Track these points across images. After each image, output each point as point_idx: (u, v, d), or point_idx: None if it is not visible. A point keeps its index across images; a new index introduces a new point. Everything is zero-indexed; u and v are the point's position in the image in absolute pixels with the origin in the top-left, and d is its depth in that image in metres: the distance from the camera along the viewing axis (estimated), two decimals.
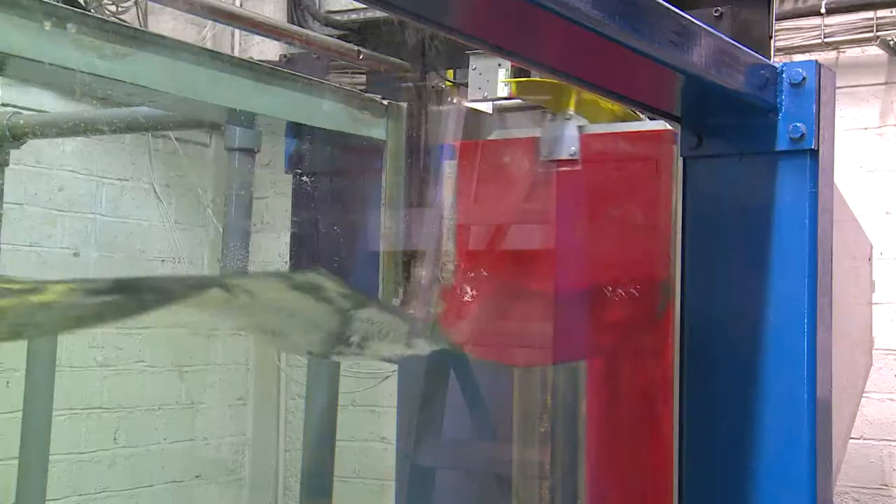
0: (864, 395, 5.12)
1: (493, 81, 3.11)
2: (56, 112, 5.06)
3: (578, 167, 2.82)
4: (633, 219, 2.82)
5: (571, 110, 2.88)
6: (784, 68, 1.91)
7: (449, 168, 3.02)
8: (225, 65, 2.78)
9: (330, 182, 3.34)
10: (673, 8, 1.60)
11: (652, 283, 2.75)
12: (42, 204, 5.60)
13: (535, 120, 3.52)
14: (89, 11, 3.76)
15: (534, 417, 2.99)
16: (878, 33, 5.47)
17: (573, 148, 2.82)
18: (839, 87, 2.21)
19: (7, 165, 3.89)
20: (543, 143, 2.86)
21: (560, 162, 2.85)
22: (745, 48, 1.85)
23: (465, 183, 3.00)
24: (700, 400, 1.96)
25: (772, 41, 2.51)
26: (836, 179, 2.05)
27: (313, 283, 1.88)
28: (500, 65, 3.09)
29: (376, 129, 3.15)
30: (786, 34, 5.58)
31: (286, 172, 3.34)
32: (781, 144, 1.90)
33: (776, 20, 3.11)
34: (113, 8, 5.77)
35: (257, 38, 6.23)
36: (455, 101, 3.22)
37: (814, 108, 1.89)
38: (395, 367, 4.14)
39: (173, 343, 6.37)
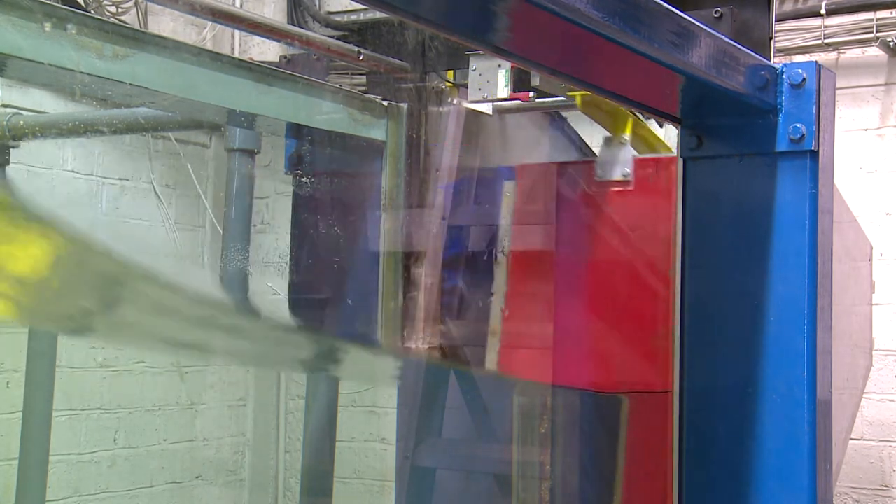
0: (864, 395, 5.12)
1: (493, 82, 3.11)
2: (56, 112, 5.06)
3: (630, 187, 2.89)
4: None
5: (627, 135, 2.97)
6: (784, 69, 1.91)
7: (508, 188, 3.09)
8: (225, 66, 2.77)
9: (330, 183, 3.34)
10: (673, 9, 1.60)
11: None
12: (42, 204, 5.59)
13: (536, 122, 3.52)
14: (89, 12, 3.76)
15: (534, 418, 2.99)
16: (878, 34, 5.47)
17: (627, 170, 2.90)
18: (839, 88, 2.21)
19: (7, 165, 3.89)
20: (599, 164, 2.95)
21: (612, 183, 2.93)
22: (745, 49, 1.85)
23: (522, 203, 3.07)
24: (700, 400, 1.96)
25: (772, 42, 2.51)
26: (835, 180, 2.05)
27: None
28: (500, 66, 3.09)
29: (376, 130, 3.15)
30: (786, 35, 5.58)
31: (286, 173, 3.34)
32: (781, 145, 1.90)
33: (776, 21, 3.11)
34: (113, 9, 5.77)
35: (257, 38, 6.24)
36: (455, 101, 3.22)
37: (814, 108, 1.89)
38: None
39: None
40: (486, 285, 3.10)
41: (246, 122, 3.18)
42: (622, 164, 2.93)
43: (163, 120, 3.65)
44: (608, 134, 3.04)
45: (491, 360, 3.06)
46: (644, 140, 3.18)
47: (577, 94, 3.05)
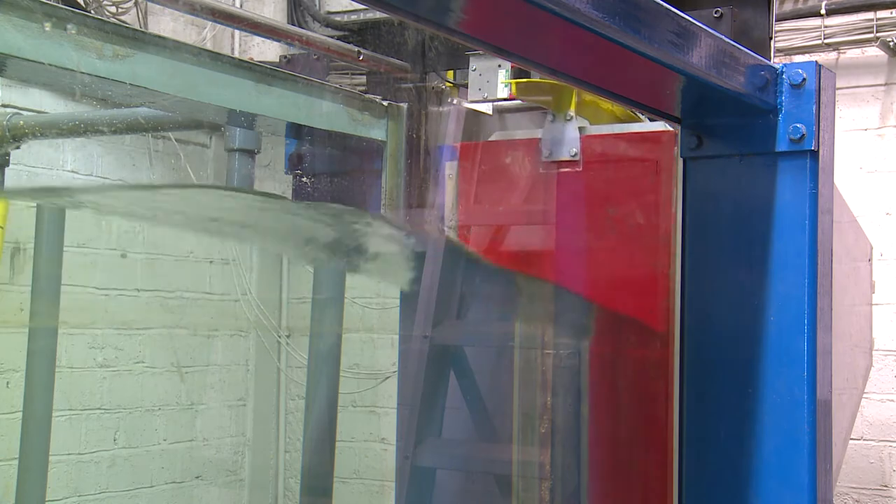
0: (864, 395, 5.12)
1: (493, 82, 3.11)
2: (56, 112, 5.06)
3: (579, 168, 2.86)
4: (634, 219, 2.85)
5: (572, 111, 2.90)
6: (784, 69, 1.91)
7: (450, 169, 3.05)
8: (225, 66, 2.78)
9: (330, 183, 3.34)
10: (673, 9, 1.60)
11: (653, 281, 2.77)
12: None
13: (536, 121, 3.52)
14: (89, 12, 3.76)
15: (534, 417, 2.99)
16: (878, 34, 5.47)
17: (574, 149, 2.86)
18: (839, 88, 2.21)
19: (7, 166, 3.89)
20: (545, 143, 2.90)
21: (561, 163, 2.89)
22: (745, 49, 1.85)
23: (466, 184, 3.03)
24: (700, 400, 1.96)
25: (772, 42, 2.51)
26: (836, 180, 2.05)
27: None
28: (500, 66, 3.09)
29: (376, 130, 3.15)
30: (786, 35, 5.58)
31: (286, 173, 3.35)
32: (781, 145, 1.90)
33: (776, 21, 3.12)
34: (113, 9, 5.77)
35: (257, 38, 6.24)
36: (455, 101, 3.23)
37: (814, 108, 1.89)
38: (395, 367, 4.15)
39: (173, 344, 6.37)
40: None
41: (246, 122, 3.18)
42: (569, 143, 2.88)
43: (163, 120, 3.65)
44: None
45: None
46: (595, 105, 3.08)
47: (512, 82, 2.99)
